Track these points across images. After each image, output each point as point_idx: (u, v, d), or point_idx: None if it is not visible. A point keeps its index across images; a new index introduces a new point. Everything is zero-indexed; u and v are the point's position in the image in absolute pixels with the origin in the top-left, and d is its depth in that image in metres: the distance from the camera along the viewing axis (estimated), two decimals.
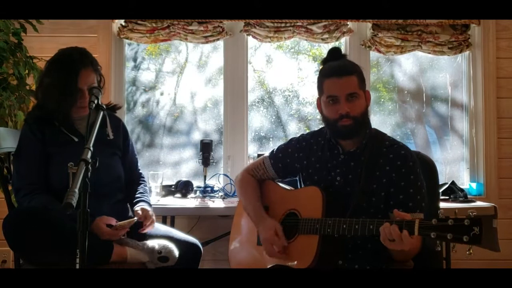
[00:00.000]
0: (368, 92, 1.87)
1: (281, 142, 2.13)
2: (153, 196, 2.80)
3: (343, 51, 2.02)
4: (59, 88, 1.97)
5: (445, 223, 1.44)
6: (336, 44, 3.34)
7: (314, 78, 3.41)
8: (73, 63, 1.98)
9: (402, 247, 1.54)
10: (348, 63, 1.88)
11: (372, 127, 1.91)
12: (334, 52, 1.90)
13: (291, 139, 2.08)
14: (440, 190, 2.78)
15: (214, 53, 3.44)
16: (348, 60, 1.91)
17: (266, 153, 2.13)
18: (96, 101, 1.80)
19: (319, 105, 1.91)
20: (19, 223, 1.80)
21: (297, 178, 2.06)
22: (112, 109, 2.23)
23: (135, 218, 2.08)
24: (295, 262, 1.79)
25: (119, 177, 2.14)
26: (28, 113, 2.16)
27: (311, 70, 3.49)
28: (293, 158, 2.02)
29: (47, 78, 2.03)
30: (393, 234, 1.53)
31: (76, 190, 1.32)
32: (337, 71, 1.81)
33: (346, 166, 1.86)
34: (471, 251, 1.42)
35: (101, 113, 1.76)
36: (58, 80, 1.98)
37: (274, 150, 2.10)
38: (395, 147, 1.84)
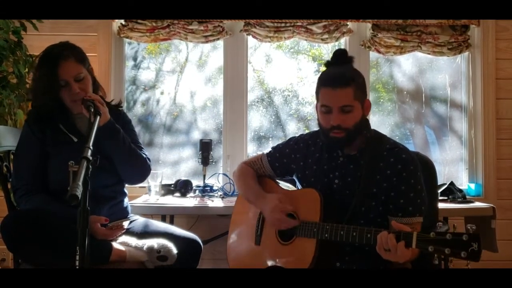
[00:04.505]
0: (368, 101, 1.82)
1: (280, 142, 2.13)
2: (153, 195, 2.80)
3: None
4: (42, 81, 1.99)
5: (443, 237, 1.42)
6: (336, 44, 3.34)
7: (314, 78, 3.42)
8: (53, 56, 2.00)
9: (396, 259, 1.53)
10: (347, 71, 1.77)
11: (372, 128, 1.89)
12: (339, 56, 1.83)
13: (290, 139, 2.07)
14: (439, 191, 2.78)
15: (214, 53, 3.44)
16: (349, 67, 1.81)
17: (265, 150, 2.13)
18: (92, 109, 1.84)
19: (317, 109, 1.87)
20: (16, 228, 1.79)
21: (295, 178, 2.06)
22: (114, 107, 2.22)
23: (130, 219, 2.09)
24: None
25: (120, 180, 2.13)
26: (27, 112, 2.17)
27: (310, 70, 3.49)
28: (289, 158, 2.01)
29: (33, 75, 2.08)
30: (389, 243, 1.52)
31: (80, 183, 1.31)
32: (333, 81, 1.74)
33: (346, 168, 1.84)
34: (468, 266, 1.42)
35: (98, 118, 1.78)
36: (40, 74, 2.01)
37: (272, 148, 2.10)
38: (396, 150, 1.81)
